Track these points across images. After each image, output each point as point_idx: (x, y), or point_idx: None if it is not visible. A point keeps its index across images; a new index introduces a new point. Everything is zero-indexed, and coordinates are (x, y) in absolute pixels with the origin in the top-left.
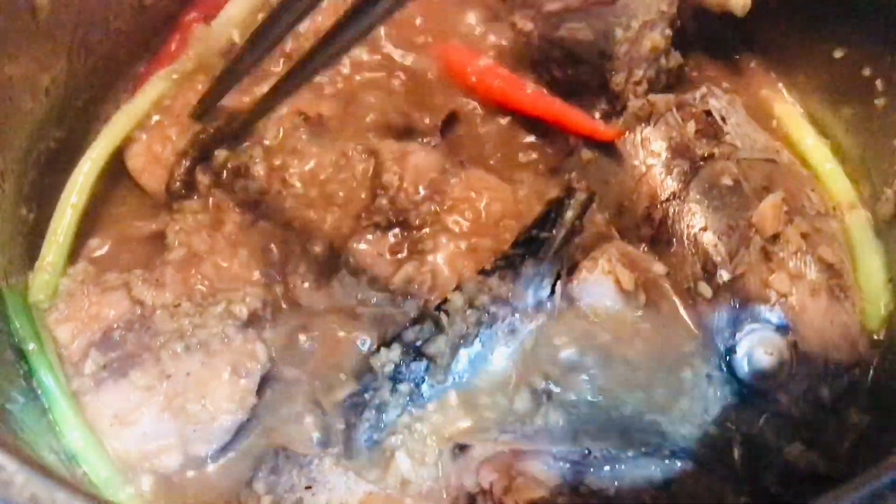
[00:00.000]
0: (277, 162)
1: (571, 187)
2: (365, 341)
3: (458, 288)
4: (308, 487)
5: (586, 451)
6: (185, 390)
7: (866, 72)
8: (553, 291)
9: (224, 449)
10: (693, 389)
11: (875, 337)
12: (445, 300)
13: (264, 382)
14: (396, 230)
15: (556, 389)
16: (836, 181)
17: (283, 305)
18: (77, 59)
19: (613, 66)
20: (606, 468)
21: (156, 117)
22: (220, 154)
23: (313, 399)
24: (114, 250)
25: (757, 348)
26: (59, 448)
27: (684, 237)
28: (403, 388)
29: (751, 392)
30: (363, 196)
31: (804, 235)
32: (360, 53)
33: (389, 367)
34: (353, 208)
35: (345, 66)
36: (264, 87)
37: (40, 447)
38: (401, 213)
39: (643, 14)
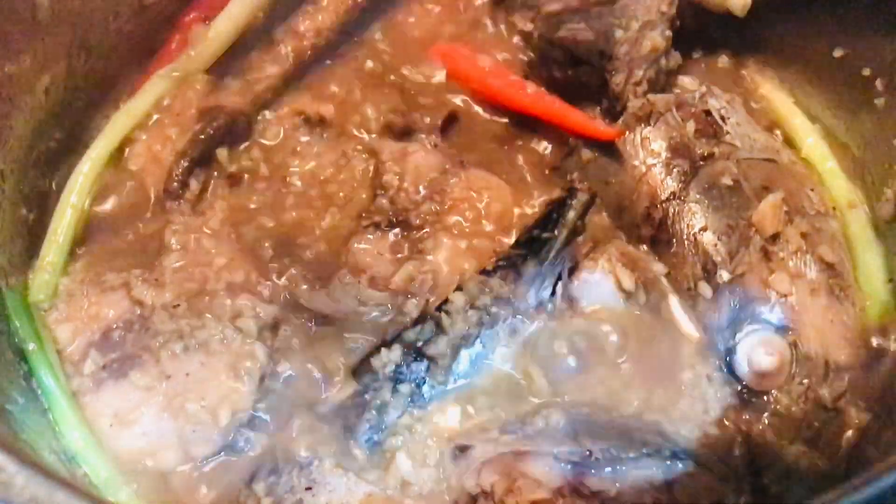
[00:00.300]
0: (277, 162)
1: (573, 187)
2: (365, 342)
3: (459, 288)
4: (308, 488)
5: (587, 452)
6: (185, 390)
7: (866, 72)
8: (554, 292)
9: (224, 449)
10: (693, 390)
11: (875, 336)
12: (446, 300)
13: (263, 383)
14: (397, 230)
15: (557, 390)
16: (836, 181)
17: (283, 306)
18: (77, 59)
19: (613, 67)
20: (607, 469)
21: (156, 117)
22: (221, 154)
23: (313, 400)
24: (114, 250)
25: (757, 348)
26: (59, 448)
27: (684, 237)
28: (404, 388)
29: (751, 392)
30: (363, 196)
31: (804, 235)
32: (360, 53)
33: (390, 368)
34: (353, 208)
35: (345, 67)
36: (264, 87)
37: (40, 447)
38: (401, 213)
39: (643, 15)
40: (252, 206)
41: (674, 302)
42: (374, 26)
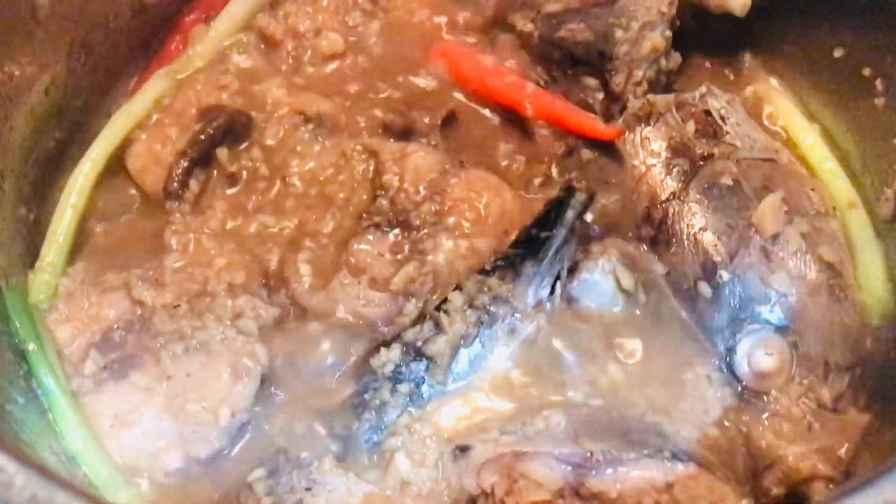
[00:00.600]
0: (277, 162)
1: (572, 187)
2: (365, 342)
3: (458, 288)
4: (308, 489)
5: (588, 453)
6: (185, 391)
7: (866, 72)
8: (553, 291)
9: (224, 450)
10: (693, 390)
11: (875, 336)
12: (445, 300)
13: (264, 383)
14: (397, 230)
15: (557, 390)
16: (836, 181)
17: (283, 306)
18: (77, 59)
19: (613, 67)
20: (608, 470)
21: (156, 117)
22: (221, 154)
23: (313, 400)
24: (114, 250)
25: (757, 349)
26: (59, 449)
27: (684, 237)
28: (403, 388)
29: (751, 392)
30: (363, 196)
31: (804, 235)
32: (360, 53)
33: (389, 368)
34: (354, 209)
35: (345, 67)
36: (263, 86)
37: (40, 448)
38: (401, 213)
39: (643, 15)
40: (252, 206)
41: (674, 302)
42: (373, 25)
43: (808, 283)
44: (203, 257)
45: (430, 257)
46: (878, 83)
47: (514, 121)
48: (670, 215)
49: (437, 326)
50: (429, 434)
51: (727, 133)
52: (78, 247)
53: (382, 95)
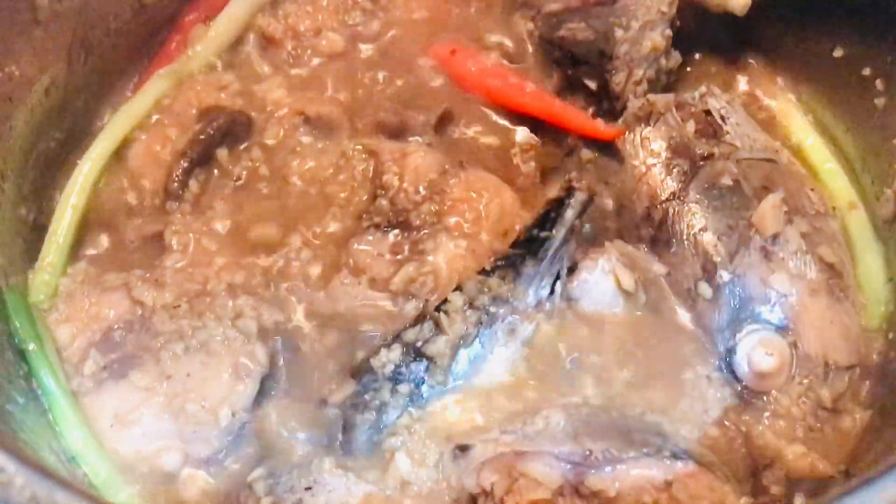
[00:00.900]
0: (277, 162)
1: (571, 187)
2: (364, 342)
3: (458, 288)
4: (308, 488)
5: (587, 452)
6: (186, 391)
7: (866, 72)
8: (553, 291)
9: (224, 450)
10: (693, 390)
11: (875, 336)
12: (445, 300)
13: (264, 383)
14: (396, 231)
15: (557, 390)
16: (836, 181)
17: (283, 307)
18: (77, 59)
19: (613, 66)
20: (607, 469)
21: (156, 117)
22: (221, 154)
23: (313, 400)
24: (114, 250)
25: (757, 348)
26: (59, 449)
27: (684, 237)
28: (403, 388)
29: (751, 392)
30: (363, 196)
31: (804, 235)
32: (360, 52)
33: (389, 368)
34: (354, 209)
35: (344, 66)
36: (264, 86)
37: (40, 447)
38: (401, 213)
39: (643, 14)
40: (252, 206)
41: (673, 302)
42: (373, 25)
43: (808, 284)
44: (203, 257)
45: (430, 257)
46: (878, 83)
47: (514, 121)
48: (670, 215)
49: (437, 327)
50: (429, 434)
51: (727, 133)
52: (78, 247)
53: (382, 95)
